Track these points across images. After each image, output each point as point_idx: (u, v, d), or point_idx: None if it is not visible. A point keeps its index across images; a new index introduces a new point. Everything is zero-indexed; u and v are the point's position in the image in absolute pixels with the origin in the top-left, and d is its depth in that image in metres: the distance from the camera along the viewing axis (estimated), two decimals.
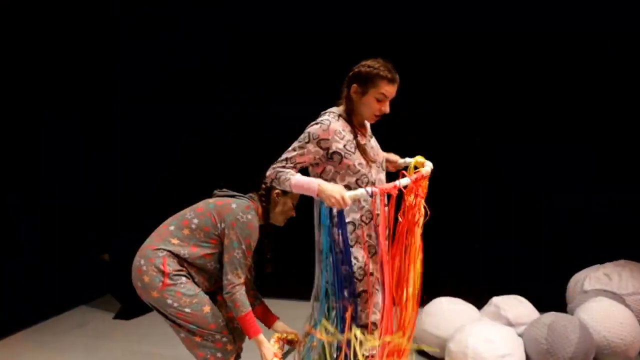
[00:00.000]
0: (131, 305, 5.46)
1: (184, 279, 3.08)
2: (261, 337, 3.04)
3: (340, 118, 2.78)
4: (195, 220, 3.11)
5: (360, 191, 2.59)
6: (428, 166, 2.88)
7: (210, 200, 3.20)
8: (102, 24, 5.59)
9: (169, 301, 3.04)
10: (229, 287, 3.01)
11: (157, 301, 3.08)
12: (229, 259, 3.02)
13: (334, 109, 2.83)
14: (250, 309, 3.03)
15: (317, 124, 2.74)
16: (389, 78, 2.71)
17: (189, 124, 5.95)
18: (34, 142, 5.89)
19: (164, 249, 3.08)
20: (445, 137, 5.55)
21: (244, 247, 3.03)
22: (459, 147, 5.61)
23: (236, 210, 3.06)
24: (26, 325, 5.18)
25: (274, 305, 3.73)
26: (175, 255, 3.09)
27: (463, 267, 5.18)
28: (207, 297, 3.14)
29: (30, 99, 5.73)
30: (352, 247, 2.74)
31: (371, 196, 2.59)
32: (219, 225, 3.07)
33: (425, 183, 2.83)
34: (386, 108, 2.77)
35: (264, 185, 3.19)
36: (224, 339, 3.13)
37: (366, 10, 5.47)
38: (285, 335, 3.29)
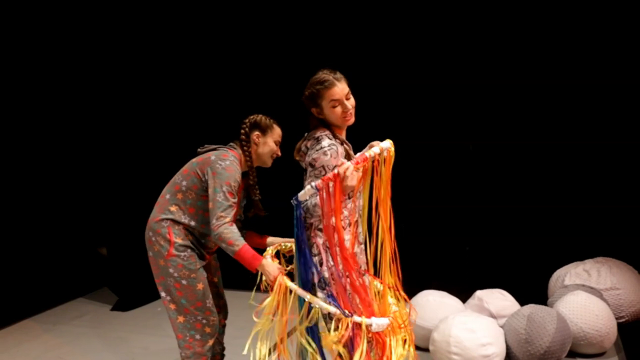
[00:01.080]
0: (128, 298, 5.64)
1: (189, 251, 3.23)
2: (263, 262, 2.96)
3: (334, 139, 2.85)
4: (184, 182, 3.24)
5: (307, 188, 2.70)
6: (378, 146, 2.79)
7: (194, 160, 3.31)
8: (101, 24, 5.67)
9: (171, 270, 3.20)
10: (216, 229, 3.03)
11: (162, 269, 3.24)
12: (213, 205, 3.09)
13: (326, 133, 2.87)
14: (244, 242, 3.00)
15: (324, 154, 2.79)
16: (326, 85, 2.80)
17: (192, 122, 6.11)
18: (41, 132, 6.01)
19: (166, 219, 3.23)
20: (440, 137, 5.70)
21: (224, 189, 3.10)
22: (452, 145, 5.75)
23: (215, 160, 3.18)
24: (25, 316, 5.36)
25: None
26: (179, 223, 3.23)
27: (450, 262, 5.33)
28: (204, 275, 3.29)
29: (31, 94, 5.83)
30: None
31: (317, 190, 2.66)
32: (203, 179, 3.19)
33: (385, 170, 2.80)
34: (347, 105, 2.83)
35: (242, 131, 3.32)
36: (204, 321, 3.28)
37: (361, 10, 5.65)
38: (282, 246, 3.31)
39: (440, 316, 4.10)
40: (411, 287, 3.05)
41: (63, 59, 5.87)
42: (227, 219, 3.05)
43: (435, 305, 4.28)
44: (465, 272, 5.13)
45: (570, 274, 4.67)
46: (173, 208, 3.25)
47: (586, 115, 5.41)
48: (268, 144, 3.34)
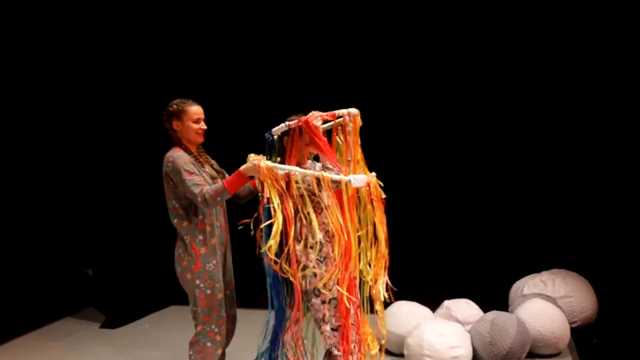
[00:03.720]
0: (115, 316, 5.89)
1: (214, 262, 3.57)
2: (242, 167, 3.33)
3: None
4: (173, 201, 3.57)
5: (281, 125, 3.31)
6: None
7: None
8: (102, 24, 5.91)
9: (197, 281, 3.55)
10: (203, 202, 3.38)
11: (189, 282, 3.57)
12: (189, 194, 3.44)
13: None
14: (222, 182, 3.40)
15: None
16: None
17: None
18: (30, 155, 6.12)
19: (187, 235, 3.56)
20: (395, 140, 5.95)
21: (184, 176, 3.43)
22: (409, 152, 5.99)
23: (164, 167, 3.54)
24: (14, 336, 5.53)
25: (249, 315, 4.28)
26: (197, 232, 3.54)
27: (420, 274, 5.70)
28: (223, 287, 3.65)
29: (25, 105, 6.00)
30: (322, 262, 3.30)
31: (289, 127, 3.29)
32: (169, 184, 3.54)
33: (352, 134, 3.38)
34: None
35: (165, 126, 3.65)
36: (216, 329, 3.62)
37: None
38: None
39: (413, 324, 4.49)
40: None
41: (50, 77, 6.07)
42: (200, 188, 3.41)
43: (408, 314, 4.67)
44: (434, 284, 5.54)
45: (528, 284, 5.12)
46: (185, 224, 3.57)
47: (544, 128, 5.75)
48: (186, 125, 3.60)
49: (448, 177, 6.00)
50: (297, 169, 3.23)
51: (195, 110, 3.64)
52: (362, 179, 3.16)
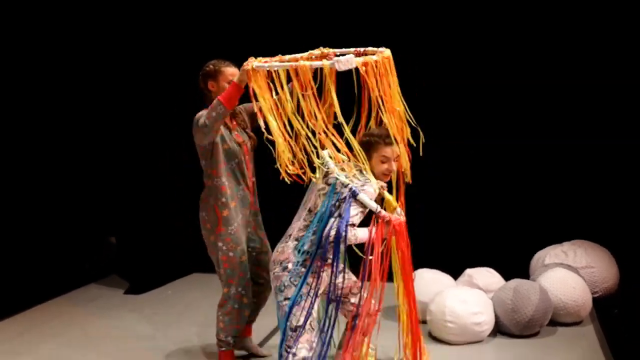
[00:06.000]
0: (138, 283, 5.96)
1: (235, 225, 3.61)
2: (235, 78, 3.34)
3: None
4: (202, 161, 3.63)
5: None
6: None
7: None
8: (101, 24, 5.91)
9: (220, 244, 3.60)
10: (201, 125, 3.40)
11: (213, 245, 3.64)
12: (199, 132, 3.46)
13: None
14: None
15: None
16: None
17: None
18: (56, 125, 6.18)
19: (209, 196, 3.62)
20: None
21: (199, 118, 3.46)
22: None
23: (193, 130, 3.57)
24: (40, 301, 5.56)
25: None
26: (219, 194, 3.57)
27: (442, 243, 5.72)
28: (246, 249, 3.69)
29: (37, 91, 6.01)
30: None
31: None
32: (203, 150, 3.58)
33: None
34: None
35: (200, 85, 3.68)
36: (242, 292, 3.67)
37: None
38: None
39: (435, 291, 4.53)
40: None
41: (73, 53, 6.10)
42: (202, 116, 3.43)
43: (430, 281, 4.71)
44: (456, 253, 5.56)
45: (549, 254, 5.13)
46: (208, 182, 3.63)
47: (566, 112, 5.72)
48: (222, 86, 3.58)
49: (473, 154, 5.98)
50: (278, 64, 3.05)
51: (232, 71, 3.60)
52: (349, 60, 2.78)
